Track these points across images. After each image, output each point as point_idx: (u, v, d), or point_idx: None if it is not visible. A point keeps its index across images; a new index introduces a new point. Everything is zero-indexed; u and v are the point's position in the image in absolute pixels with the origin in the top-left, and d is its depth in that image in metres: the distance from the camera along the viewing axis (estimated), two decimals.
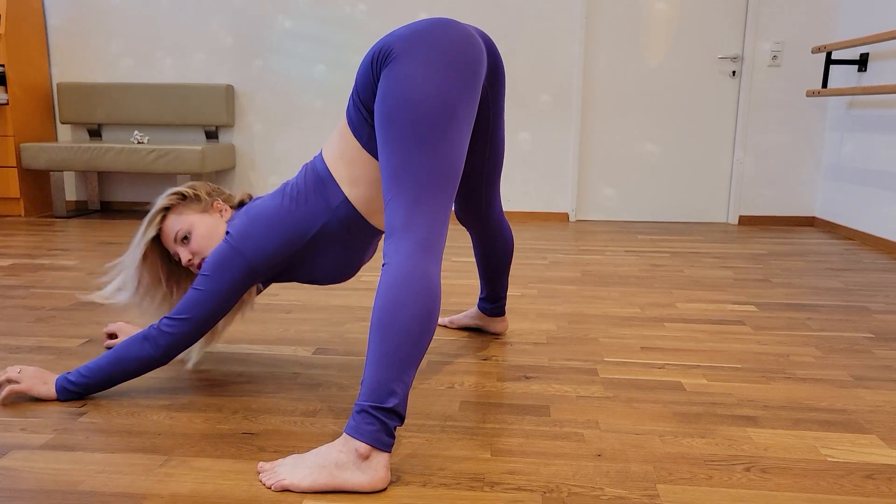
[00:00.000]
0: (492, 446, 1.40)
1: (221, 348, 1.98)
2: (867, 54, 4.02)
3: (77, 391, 1.57)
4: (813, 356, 1.97)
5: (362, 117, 1.46)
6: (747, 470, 1.32)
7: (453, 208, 1.90)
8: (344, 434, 1.24)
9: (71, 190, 4.94)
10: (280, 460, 1.28)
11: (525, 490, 1.23)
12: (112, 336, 1.97)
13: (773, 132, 4.50)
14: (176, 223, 1.64)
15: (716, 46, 4.50)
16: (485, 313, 2.11)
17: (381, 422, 1.21)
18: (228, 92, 4.65)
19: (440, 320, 2.25)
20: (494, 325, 2.12)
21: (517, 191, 4.67)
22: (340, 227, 1.56)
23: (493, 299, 2.07)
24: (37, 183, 4.67)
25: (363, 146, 1.49)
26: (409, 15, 4.52)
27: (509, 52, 4.52)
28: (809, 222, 4.58)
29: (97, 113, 4.71)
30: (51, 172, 4.47)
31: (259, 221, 1.55)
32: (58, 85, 4.69)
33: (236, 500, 1.20)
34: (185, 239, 1.63)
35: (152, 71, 4.74)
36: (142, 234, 1.63)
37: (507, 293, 2.37)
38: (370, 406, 1.22)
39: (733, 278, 2.96)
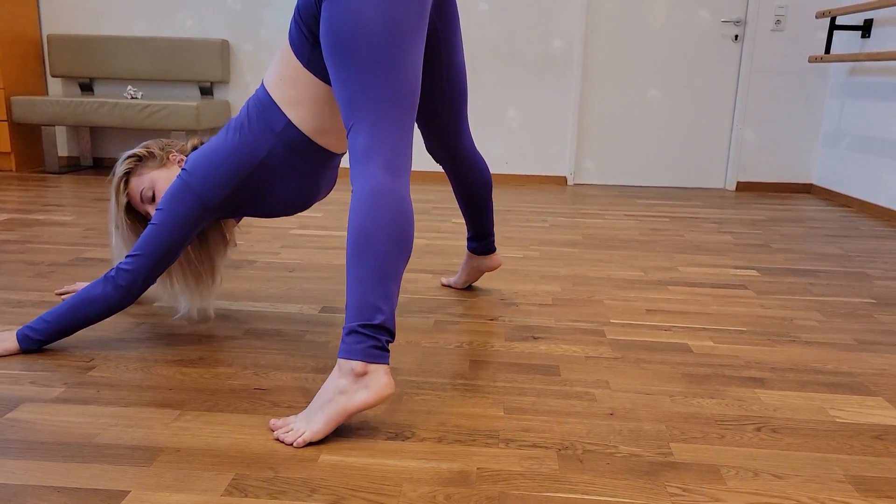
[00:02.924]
0: (504, 405, 1.41)
1: (227, 305, 1.97)
2: (871, 20, 3.99)
3: (38, 338, 1.56)
4: (816, 320, 1.99)
5: (304, 37, 1.45)
6: (758, 430, 1.33)
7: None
8: (338, 361, 1.23)
9: (63, 145, 4.86)
10: (291, 417, 1.27)
11: (540, 447, 1.24)
12: (73, 291, 1.99)
13: (774, 98, 4.48)
14: (138, 184, 1.68)
15: (719, 10, 4.44)
16: (475, 253, 2.10)
17: (371, 338, 1.21)
18: (224, 47, 4.56)
19: (442, 280, 2.25)
20: (487, 262, 2.12)
21: (515, 153, 4.64)
22: (288, 151, 1.55)
23: (480, 237, 2.07)
24: (28, 138, 4.59)
25: (304, 65, 1.47)
26: None
27: (510, 12, 4.45)
28: (807, 189, 4.59)
29: (89, 66, 4.61)
30: (42, 127, 4.39)
31: (206, 156, 1.56)
32: (48, 37, 4.58)
33: (253, 453, 1.20)
34: (152, 198, 1.67)
35: (146, 24, 4.63)
36: (115, 207, 1.67)
37: (496, 238, 2.37)
38: (358, 325, 1.22)
39: (733, 243, 2.97)
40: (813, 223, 3.47)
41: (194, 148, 1.76)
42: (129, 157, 1.68)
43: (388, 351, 1.24)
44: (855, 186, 4.07)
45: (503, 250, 2.70)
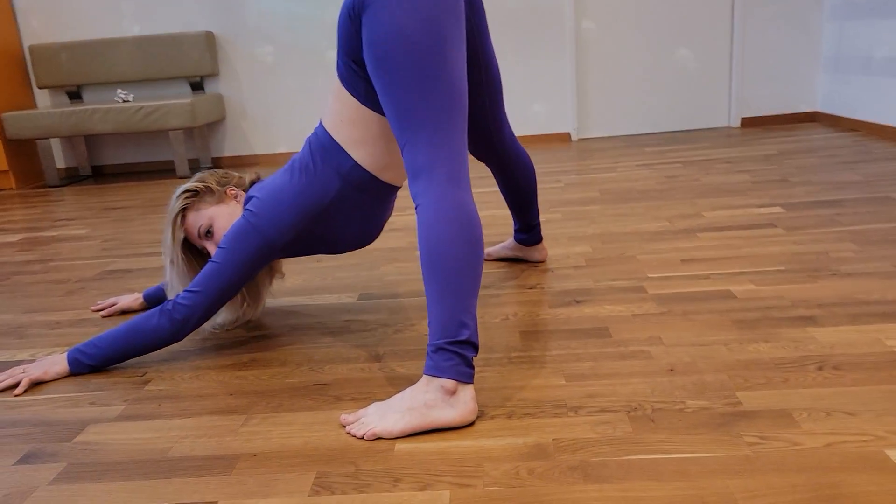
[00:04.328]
0: (563, 372, 1.41)
1: (276, 303, 1.97)
2: None
3: (89, 363, 1.56)
4: (851, 251, 1.98)
5: (353, 72, 1.43)
6: (819, 369, 1.34)
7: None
8: (424, 376, 1.24)
9: (59, 157, 4.82)
10: (362, 410, 1.28)
11: (609, 411, 1.25)
12: (112, 305, 1.98)
13: (770, 29, 4.42)
14: (196, 220, 1.64)
15: None
16: (523, 244, 2.10)
17: (458, 355, 1.22)
18: (209, 39, 4.49)
19: None
20: (534, 253, 2.11)
21: (516, 115, 4.60)
22: (355, 192, 1.55)
23: (528, 228, 2.06)
24: (23, 153, 4.55)
25: (362, 102, 1.46)
26: None
27: None
28: (811, 118, 4.55)
29: (75, 74, 4.55)
30: (38, 141, 4.35)
31: (273, 197, 1.55)
32: (30, 48, 4.51)
33: (328, 449, 1.20)
34: (209, 233, 1.64)
35: (126, 24, 4.55)
36: (170, 242, 1.63)
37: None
38: (445, 342, 1.22)
39: (751, 181, 2.95)
40: (825, 152, 3.45)
41: (252, 183, 1.73)
42: (186, 191, 1.64)
43: (473, 368, 1.24)
44: (861, 110, 4.04)
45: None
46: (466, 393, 1.22)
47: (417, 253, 2.33)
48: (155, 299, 1.97)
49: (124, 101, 4.39)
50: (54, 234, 3.05)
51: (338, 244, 1.66)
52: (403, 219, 2.80)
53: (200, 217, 1.64)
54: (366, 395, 1.39)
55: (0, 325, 1.96)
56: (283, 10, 4.47)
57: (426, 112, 1.28)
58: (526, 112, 4.59)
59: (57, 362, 1.57)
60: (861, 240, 2.07)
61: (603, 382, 1.36)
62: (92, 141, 4.81)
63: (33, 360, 1.69)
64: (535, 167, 3.67)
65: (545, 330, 1.63)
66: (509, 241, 2.15)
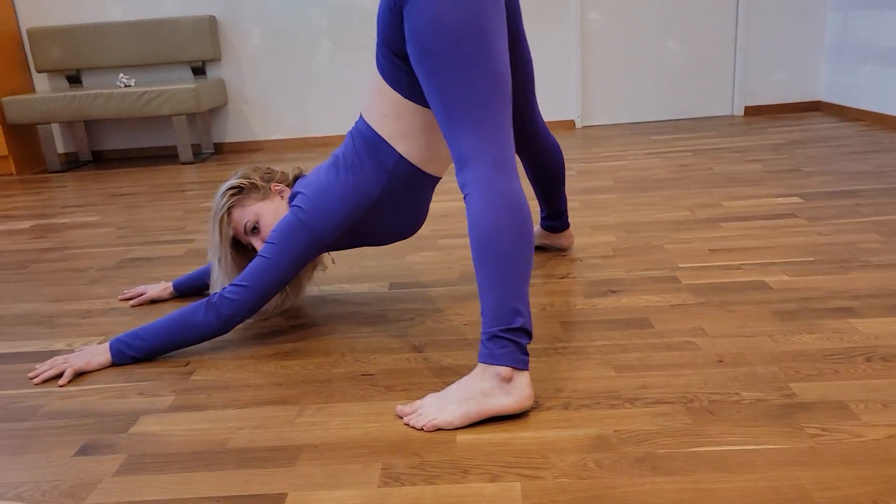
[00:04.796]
0: (612, 364, 1.42)
1: (306, 293, 1.96)
2: None
3: (133, 354, 1.56)
4: (877, 242, 2.01)
5: (395, 66, 1.42)
6: (868, 360, 1.36)
7: None
8: (479, 364, 1.24)
9: (58, 142, 4.75)
10: (419, 402, 1.28)
11: (665, 402, 1.26)
12: (140, 294, 1.97)
13: (774, 18, 4.43)
14: (242, 216, 1.64)
15: None
16: (550, 231, 2.10)
17: (513, 342, 1.22)
18: (211, 23, 4.43)
19: None
20: (561, 240, 2.12)
21: None
22: (401, 185, 1.56)
23: (556, 215, 2.06)
24: (23, 138, 4.48)
25: (405, 96, 1.45)
26: None
27: None
28: (815, 107, 4.58)
29: (74, 58, 4.48)
30: (38, 126, 4.28)
31: (321, 194, 1.55)
32: (28, 31, 4.43)
33: (389, 441, 1.21)
34: (255, 229, 1.64)
35: (126, 7, 4.48)
36: (218, 240, 1.62)
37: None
38: (499, 330, 1.22)
39: (765, 171, 2.97)
40: (834, 141, 3.48)
41: (295, 178, 1.73)
42: (231, 188, 1.63)
43: (528, 354, 1.25)
44: (866, 99, 4.07)
45: (534, 206, 2.69)
46: (522, 379, 1.23)
47: (442, 241, 2.32)
48: (185, 288, 1.95)
49: (126, 86, 4.33)
50: (65, 220, 3.02)
51: (384, 236, 1.66)
52: (431, 206, 2.79)
53: (246, 214, 1.64)
54: (416, 386, 1.39)
55: (29, 313, 1.94)
56: None
57: (471, 102, 1.28)
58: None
59: (99, 353, 1.56)
60: (886, 231, 2.10)
61: (654, 374, 1.37)
62: (92, 126, 4.75)
63: (71, 350, 1.67)
64: None
65: (585, 320, 1.64)
66: (535, 228, 2.16)
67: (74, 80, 4.61)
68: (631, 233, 2.27)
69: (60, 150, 4.75)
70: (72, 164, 4.62)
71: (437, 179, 1.62)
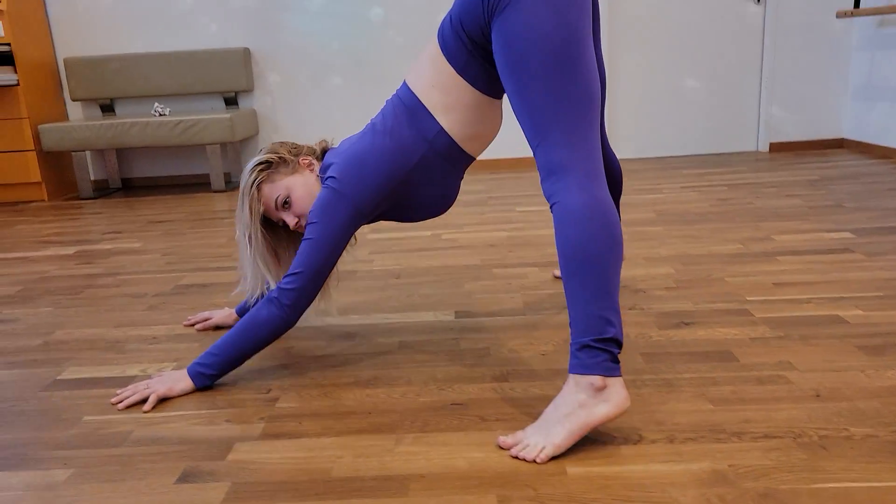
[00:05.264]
0: (706, 396, 1.41)
1: (361, 320, 1.95)
2: None
3: (212, 373, 1.55)
4: None
5: (461, 44, 1.43)
6: None
7: None
8: (571, 376, 1.23)
9: (90, 169, 4.77)
10: (521, 433, 1.27)
11: (773, 437, 1.25)
12: (206, 319, 1.96)
13: (798, 57, 4.49)
14: (272, 191, 1.62)
15: None
16: None
17: (605, 351, 1.21)
18: (245, 55, 4.48)
19: (554, 273, 2.25)
20: None
21: None
22: (438, 158, 1.55)
23: None
24: (56, 165, 4.51)
25: (458, 72, 1.46)
26: None
27: None
28: (839, 144, 4.62)
29: (109, 87, 4.53)
30: (73, 153, 4.30)
31: (356, 161, 1.53)
32: (65, 60, 4.48)
33: (497, 472, 1.19)
34: (286, 203, 1.62)
35: (162, 39, 4.54)
36: (248, 218, 1.61)
37: None
38: (591, 340, 1.21)
39: (806, 206, 2.98)
40: (868, 178, 3.50)
41: (323, 151, 1.72)
42: (260, 163, 1.62)
43: (619, 362, 1.24)
44: (893, 137, 4.10)
45: None
46: (616, 384, 1.22)
47: (496, 271, 2.32)
48: (246, 311, 1.94)
49: (161, 115, 4.36)
50: (108, 246, 3.01)
51: (417, 211, 1.65)
52: (468, 236, 2.80)
53: (277, 188, 1.62)
54: (509, 416, 1.38)
55: (94, 339, 1.93)
56: (318, 29, 4.48)
57: (564, 111, 1.28)
58: None
59: (180, 378, 1.55)
60: None
61: (752, 408, 1.36)
62: (123, 153, 4.77)
63: (146, 376, 1.66)
64: None
65: (664, 352, 1.63)
66: None
67: (107, 108, 4.64)
68: (688, 265, 2.27)
69: (92, 177, 4.77)
70: (101, 190, 4.63)
71: (471, 160, 1.61)
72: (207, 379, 1.55)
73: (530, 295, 2.08)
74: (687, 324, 1.79)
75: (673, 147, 4.71)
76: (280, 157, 1.65)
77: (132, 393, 1.53)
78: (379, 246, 2.75)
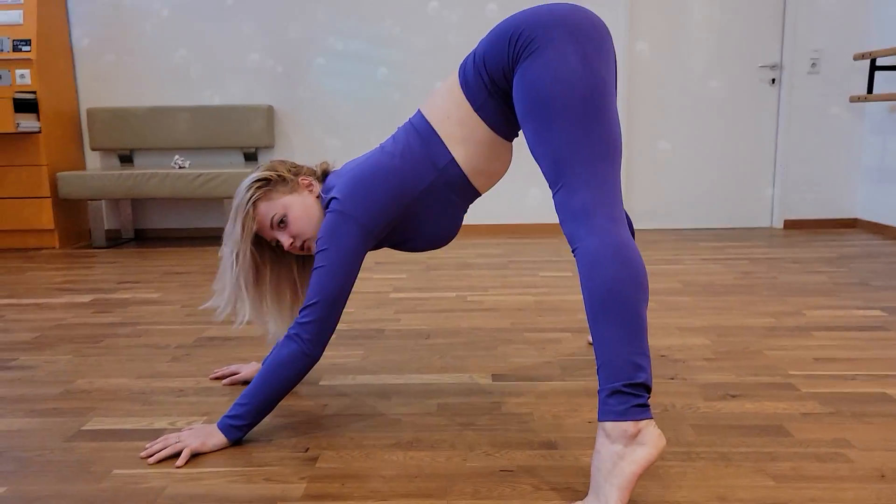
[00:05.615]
0: (766, 472, 1.36)
1: (394, 379, 1.90)
2: None
3: (243, 423, 1.49)
4: None
5: (481, 83, 1.44)
6: None
7: None
8: (601, 425, 1.19)
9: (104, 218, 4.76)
10: (580, 503, 1.21)
11: None
12: (233, 374, 1.92)
13: (813, 137, 4.57)
14: (269, 209, 1.57)
15: (756, 55, 4.55)
16: None
17: (634, 396, 1.18)
18: (269, 113, 4.54)
19: (589, 339, 2.21)
20: None
21: None
22: (446, 188, 1.54)
23: None
24: (69, 213, 4.50)
25: (475, 110, 1.47)
26: (451, 28, 4.48)
27: None
28: (852, 224, 4.65)
29: (129, 138, 4.57)
30: (89, 202, 4.30)
31: (364, 181, 1.51)
32: (87, 111, 4.53)
33: None
34: (282, 223, 1.57)
35: (185, 93, 4.61)
36: (239, 235, 1.54)
37: None
38: (622, 385, 1.18)
39: (832, 283, 2.97)
40: (887, 258, 3.50)
41: (325, 172, 1.69)
42: (258, 180, 1.57)
43: (649, 406, 1.21)
44: None
45: None
46: (649, 427, 1.17)
47: (528, 335, 2.28)
48: None
49: (181, 167, 4.38)
50: (126, 296, 2.97)
51: (420, 240, 1.62)
52: (494, 298, 2.77)
53: (274, 207, 1.57)
54: (564, 486, 1.32)
55: (117, 389, 1.87)
56: (342, 89, 4.56)
57: (587, 155, 1.28)
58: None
59: (212, 433, 1.49)
60: None
61: (816, 486, 1.30)
62: (138, 204, 4.78)
63: (176, 428, 1.60)
64: None
65: (715, 424, 1.58)
66: None
67: (126, 159, 4.67)
68: (724, 336, 2.23)
69: (105, 226, 4.76)
70: (114, 240, 4.61)
71: (477, 195, 1.61)
72: (239, 431, 1.49)
73: (566, 360, 2.04)
74: (733, 396, 1.75)
75: (689, 220, 4.73)
76: (279, 175, 1.60)
77: (163, 447, 1.47)
78: (404, 305, 2.71)
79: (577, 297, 2.80)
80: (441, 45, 4.51)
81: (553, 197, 1.34)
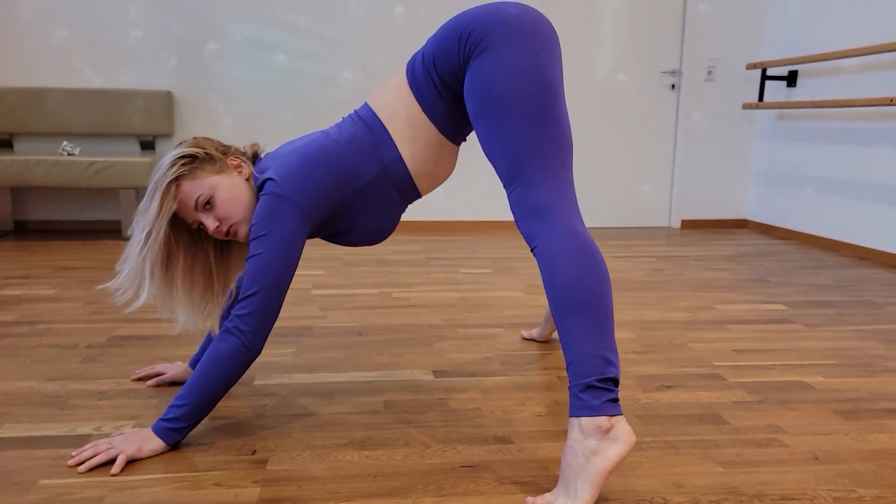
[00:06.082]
0: (713, 459, 1.41)
1: (333, 378, 1.84)
2: (796, 71, 4.43)
3: (181, 426, 1.39)
4: (881, 349, 2.15)
5: (431, 84, 1.45)
6: None
7: None
8: (574, 420, 1.20)
9: None
10: (548, 495, 1.21)
11: (791, 499, 1.26)
12: (160, 374, 1.79)
13: (708, 142, 4.84)
14: (194, 189, 1.43)
15: (658, 61, 4.77)
16: None
17: (607, 391, 1.20)
18: (168, 99, 4.30)
19: (524, 334, 2.23)
20: None
21: (478, 200, 4.69)
22: (389, 185, 1.53)
23: None
24: None
25: (424, 110, 1.47)
26: (362, 17, 4.42)
27: None
28: (742, 224, 4.96)
29: (8, 121, 4.19)
30: None
31: (303, 162, 1.44)
32: None
33: None
34: (208, 204, 1.44)
35: (75, 75, 4.29)
36: (155, 212, 1.39)
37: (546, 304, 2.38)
38: (595, 380, 1.19)
39: (735, 279, 3.15)
40: (780, 256, 3.76)
41: (255, 155, 1.58)
42: (183, 157, 1.43)
43: (619, 400, 1.23)
44: (792, 220, 4.45)
45: (536, 299, 2.72)
46: (620, 422, 1.19)
47: (461, 331, 2.27)
48: None
49: (70, 155, 4.08)
50: (17, 292, 2.72)
51: (354, 234, 1.57)
52: (420, 295, 2.74)
53: (199, 186, 1.43)
54: (527, 479, 1.32)
55: (28, 393, 1.70)
56: (245, 77, 4.39)
57: (542, 153, 1.30)
58: (486, 196, 4.70)
59: (149, 438, 1.38)
60: (882, 339, 2.25)
61: (761, 470, 1.37)
62: (19, 193, 4.40)
63: (101, 434, 1.47)
64: (514, 253, 3.73)
65: (657, 414, 1.63)
66: (545, 315, 2.16)
67: (5, 143, 4.29)
68: (647, 330, 2.32)
69: None
70: None
71: (417, 196, 1.60)
72: (178, 434, 1.39)
73: (504, 356, 2.05)
74: (668, 387, 1.81)
75: (593, 219, 4.89)
76: (206, 153, 1.46)
77: (94, 453, 1.35)
78: (328, 302, 2.64)
79: (503, 294, 2.82)
80: (349, 33, 4.43)
81: (508, 196, 1.33)
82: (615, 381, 1.21)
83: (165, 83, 4.35)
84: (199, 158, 1.46)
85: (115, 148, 4.41)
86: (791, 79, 4.46)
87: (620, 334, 2.27)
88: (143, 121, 4.29)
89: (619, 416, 1.19)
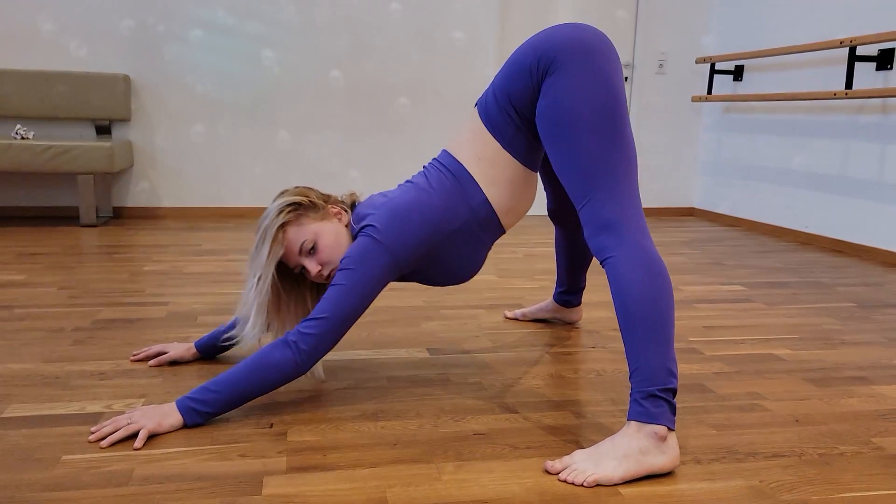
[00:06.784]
0: (705, 423, 1.52)
1: (333, 357, 1.88)
2: (743, 66, 4.64)
3: (206, 410, 1.42)
4: (837, 325, 2.31)
5: (508, 118, 1.53)
6: None
7: (547, 206, 2.03)
8: (633, 422, 1.28)
9: None
10: (568, 458, 1.29)
11: (781, 456, 1.37)
12: (161, 353, 1.81)
13: (657, 133, 5.02)
14: (298, 235, 1.53)
15: None
16: (564, 305, 2.20)
17: (667, 402, 1.29)
18: (125, 83, 4.21)
19: (507, 314, 2.31)
20: (572, 314, 2.22)
21: None
22: (477, 227, 1.61)
23: (575, 290, 2.17)
24: None
25: (504, 147, 1.55)
26: (311, 7, 4.41)
27: (426, 64, 4.59)
28: (690, 212, 5.17)
29: None
30: None
31: (400, 213, 1.52)
32: None
33: (557, 494, 1.20)
34: (312, 250, 1.53)
35: (28, 56, 4.15)
36: (266, 258, 1.49)
37: (521, 287, 2.47)
38: (657, 390, 1.28)
39: (694, 263, 3.31)
40: (730, 242, 3.95)
41: (353, 203, 1.67)
42: (290, 204, 1.54)
43: (676, 412, 1.33)
44: (738, 208, 4.67)
45: (510, 282, 2.80)
46: (673, 439, 1.29)
47: (445, 311, 2.34)
48: (209, 348, 1.81)
49: (23, 138, 3.95)
50: None
51: (444, 275, 1.65)
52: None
53: (304, 232, 1.53)
54: (539, 444, 1.39)
55: (27, 375, 1.69)
56: (206, 62, 4.33)
57: (614, 169, 1.38)
58: None
59: (168, 413, 1.40)
60: (836, 315, 2.42)
61: (750, 432, 1.48)
62: None
63: (114, 412, 1.48)
64: None
65: None
66: (547, 302, 2.25)
67: None
68: None
69: None
70: None
71: (502, 232, 1.67)
72: (200, 417, 1.42)
73: (492, 334, 2.12)
74: None
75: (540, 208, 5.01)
76: (310, 201, 1.56)
77: (114, 429, 1.36)
78: None
79: (477, 277, 2.89)
80: (311, 22, 4.42)
81: (579, 211, 1.41)
82: (675, 392, 1.30)
83: (122, 66, 4.25)
84: (304, 206, 1.55)
85: (70, 132, 4.29)
86: (738, 73, 4.67)
87: (598, 313, 2.37)
88: (100, 105, 4.18)
89: (673, 432, 1.28)
